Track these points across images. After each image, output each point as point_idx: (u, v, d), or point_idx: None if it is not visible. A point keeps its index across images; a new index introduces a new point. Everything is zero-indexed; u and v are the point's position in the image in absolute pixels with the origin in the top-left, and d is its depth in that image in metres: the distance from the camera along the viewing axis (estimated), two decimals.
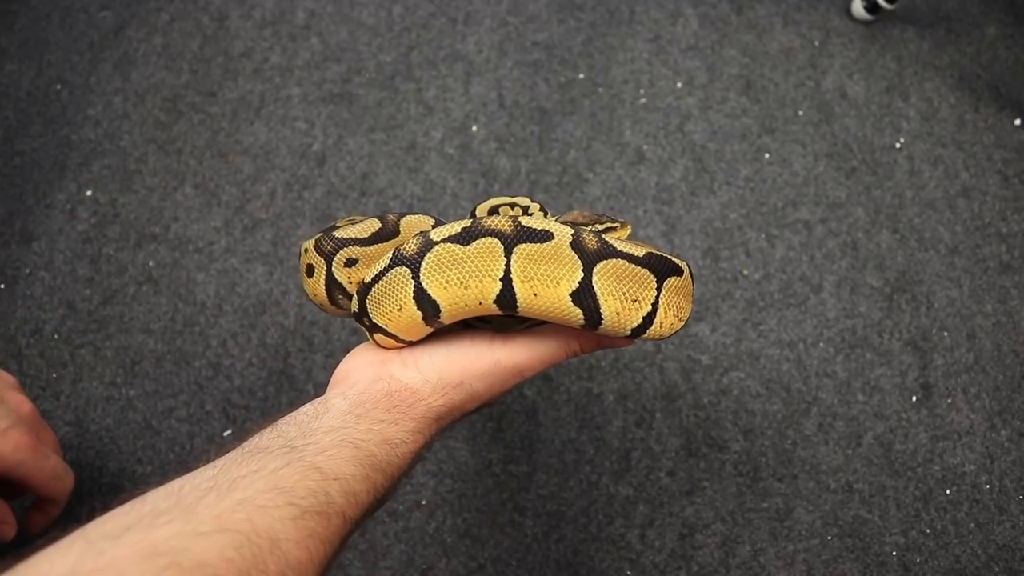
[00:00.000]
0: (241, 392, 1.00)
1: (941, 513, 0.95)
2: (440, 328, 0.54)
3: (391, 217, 0.59)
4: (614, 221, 0.57)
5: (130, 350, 1.03)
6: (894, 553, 0.93)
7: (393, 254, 0.52)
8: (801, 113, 1.26)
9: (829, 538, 0.93)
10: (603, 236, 0.49)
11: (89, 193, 1.15)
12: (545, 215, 0.63)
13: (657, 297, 0.50)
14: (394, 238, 0.58)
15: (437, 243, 0.50)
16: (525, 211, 0.63)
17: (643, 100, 1.27)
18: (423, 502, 0.94)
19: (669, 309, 0.51)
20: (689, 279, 0.54)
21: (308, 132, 1.22)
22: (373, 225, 0.58)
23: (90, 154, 1.19)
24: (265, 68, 1.28)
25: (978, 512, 0.95)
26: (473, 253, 0.50)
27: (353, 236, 0.57)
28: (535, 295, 0.49)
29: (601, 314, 0.49)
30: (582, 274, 0.48)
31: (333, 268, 0.58)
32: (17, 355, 1.02)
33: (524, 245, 0.49)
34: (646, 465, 0.97)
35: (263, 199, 1.15)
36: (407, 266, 0.51)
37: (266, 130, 1.22)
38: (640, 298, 0.50)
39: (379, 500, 0.49)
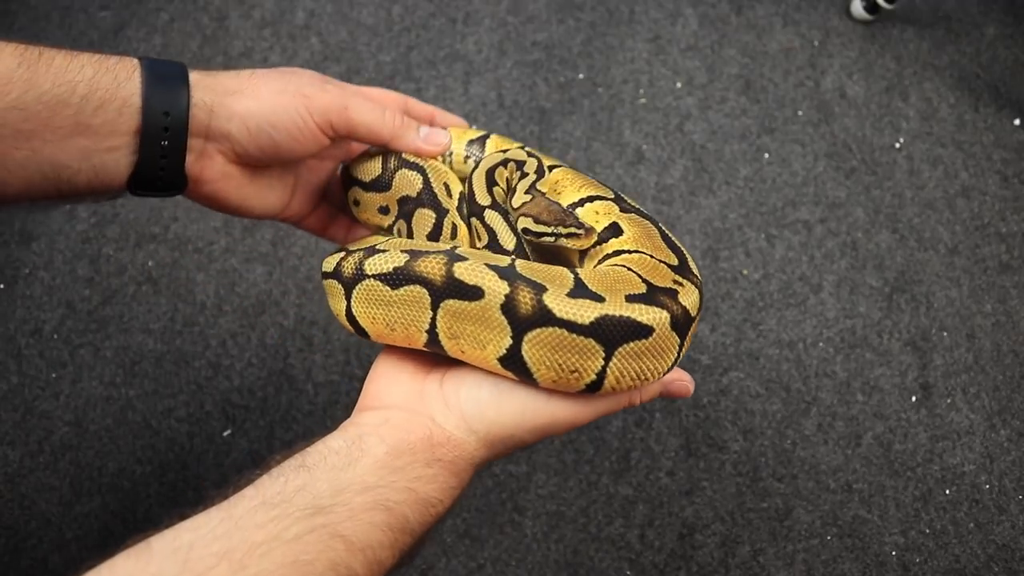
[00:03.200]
0: (241, 392, 1.00)
1: (941, 513, 0.95)
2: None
3: (392, 164, 0.57)
4: (579, 228, 0.52)
5: (130, 350, 1.03)
6: (893, 553, 0.93)
7: (335, 265, 0.51)
8: (800, 113, 1.26)
9: (829, 538, 0.93)
10: (542, 297, 0.43)
11: None
12: (539, 173, 0.59)
13: (604, 367, 0.44)
14: (386, 191, 0.57)
15: (368, 277, 0.48)
16: (520, 167, 0.60)
17: (643, 100, 1.27)
18: None
19: (624, 376, 0.45)
20: (667, 333, 0.45)
21: None
22: (375, 168, 0.58)
23: None
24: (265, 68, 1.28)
25: (978, 512, 0.95)
26: (399, 299, 0.47)
27: (358, 176, 0.58)
28: (463, 352, 0.46)
29: (536, 380, 0.45)
30: (511, 341, 0.44)
31: (348, 198, 0.60)
32: (17, 355, 1.02)
33: (452, 301, 0.45)
34: (646, 465, 0.97)
35: None
36: (343, 285, 0.50)
37: None
38: (581, 368, 0.44)
39: (401, 561, 0.45)
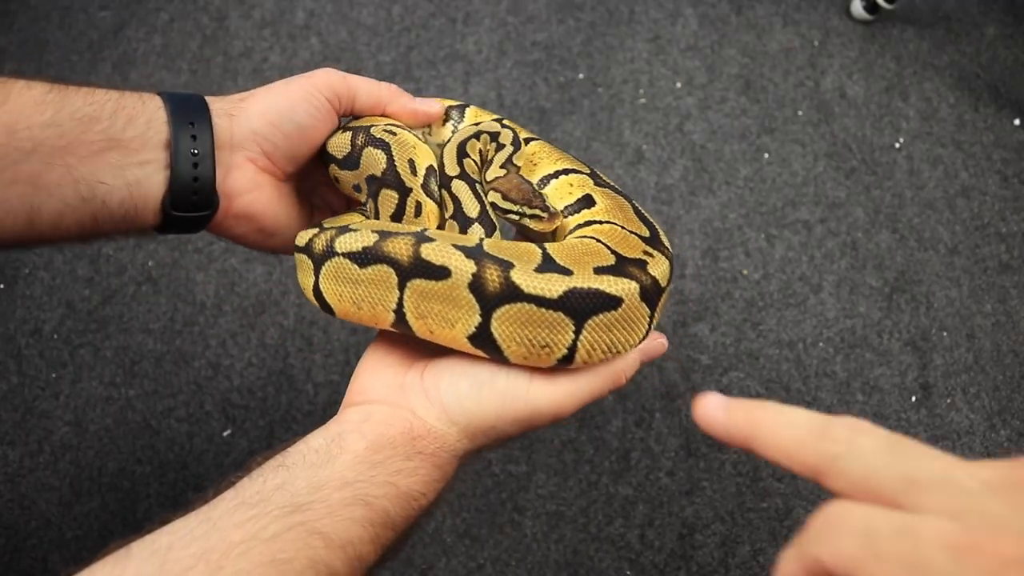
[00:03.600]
0: (240, 392, 1.00)
1: None
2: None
3: (359, 141, 0.56)
4: (544, 211, 0.52)
5: (129, 350, 1.03)
6: None
7: (307, 240, 0.51)
8: (800, 113, 1.26)
9: None
10: (510, 273, 0.43)
11: None
12: (515, 145, 0.58)
13: (575, 340, 0.45)
14: (356, 169, 0.57)
15: (338, 255, 0.48)
16: (495, 138, 0.59)
17: (642, 100, 1.27)
18: None
19: (595, 348, 0.46)
20: (637, 303, 0.46)
21: None
22: (345, 144, 0.57)
23: None
24: (264, 68, 1.28)
25: None
26: (367, 278, 0.47)
27: (332, 153, 0.58)
28: (431, 332, 0.47)
29: (507, 358, 0.46)
30: (479, 319, 0.44)
31: (330, 175, 0.59)
32: (17, 355, 1.02)
33: (419, 280, 0.45)
34: (645, 465, 0.97)
35: None
36: (312, 260, 0.50)
37: None
38: (551, 343, 0.45)
39: (385, 556, 0.45)
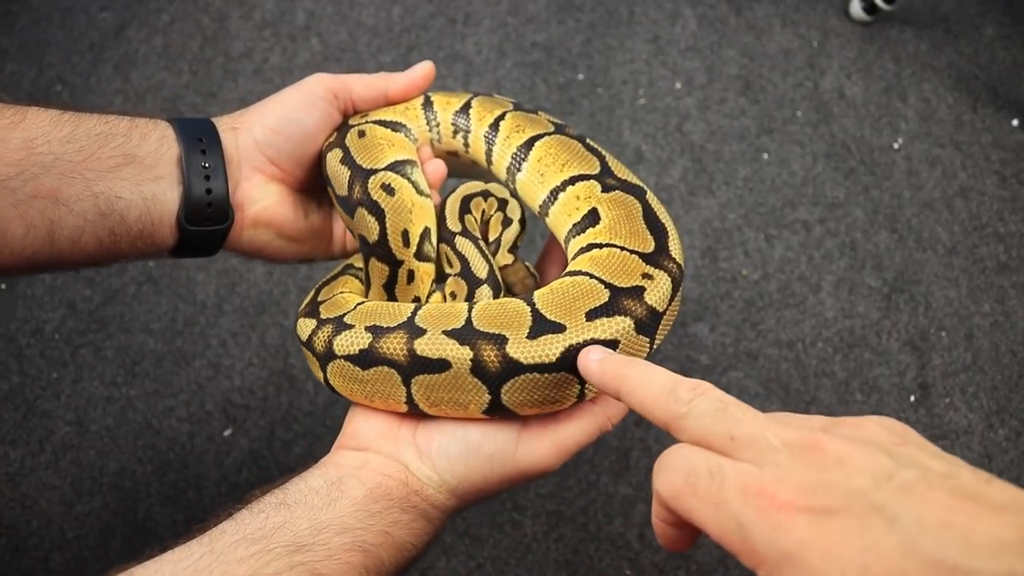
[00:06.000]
0: (241, 392, 1.00)
1: None
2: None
3: (356, 193, 0.54)
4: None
5: (130, 350, 1.03)
6: None
7: (308, 337, 0.51)
8: (799, 113, 1.26)
9: None
10: (506, 350, 0.44)
11: None
12: (523, 224, 0.59)
13: (582, 390, 0.46)
14: (349, 217, 0.56)
15: (338, 357, 0.48)
16: (503, 207, 0.59)
17: (642, 100, 1.27)
18: None
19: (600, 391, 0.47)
20: (633, 338, 0.46)
21: None
22: (343, 180, 0.55)
23: None
24: (265, 69, 1.29)
25: None
26: (372, 378, 0.48)
27: (331, 181, 0.57)
28: (446, 413, 0.48)
29: (521, 418, 0.48)
30: (489, 396, 0.46)
31: (328, 191, 0.59)
32: (18, 355, 1.02)
33: (422, 376, 0.46)
34: (645, 464, 0.97)
35: None
36: (316, 358, 0.51)
37: None
38: (560, 397, 0.46)
39: None
